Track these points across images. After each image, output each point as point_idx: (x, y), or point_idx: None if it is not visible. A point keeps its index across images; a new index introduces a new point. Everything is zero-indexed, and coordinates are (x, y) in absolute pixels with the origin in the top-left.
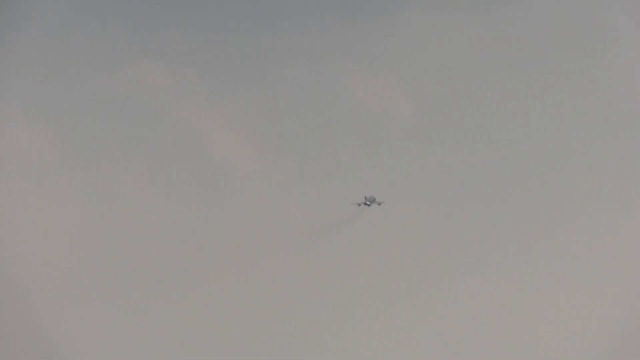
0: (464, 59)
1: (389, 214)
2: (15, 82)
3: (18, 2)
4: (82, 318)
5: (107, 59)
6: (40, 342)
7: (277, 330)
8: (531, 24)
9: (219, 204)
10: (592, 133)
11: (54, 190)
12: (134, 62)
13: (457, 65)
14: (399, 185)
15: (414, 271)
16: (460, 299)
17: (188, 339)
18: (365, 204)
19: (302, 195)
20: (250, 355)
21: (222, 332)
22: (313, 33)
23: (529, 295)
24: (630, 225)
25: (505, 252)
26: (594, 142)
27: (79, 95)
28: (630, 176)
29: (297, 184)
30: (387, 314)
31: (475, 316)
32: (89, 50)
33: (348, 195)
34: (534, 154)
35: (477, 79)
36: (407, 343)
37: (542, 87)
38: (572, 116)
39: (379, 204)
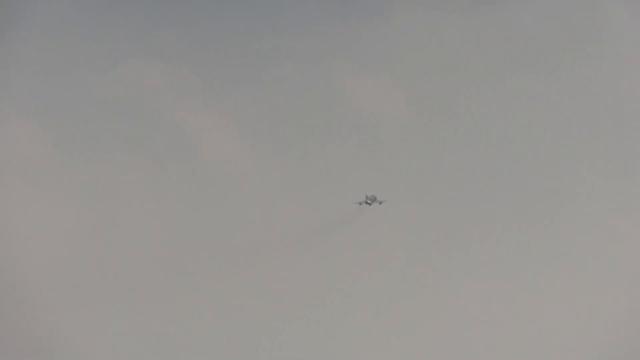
0: (460, 60)
1: (387, 214)
2: (12, 82)
3: (15, 2)
4: (76, 318)
5: (103, 58)
6: (37, 342)
7: (277, 330)
8: (528, 25)
9: (215, 204)
10: (591, 133)
11: (49, 189)
12: (129, 62)
13: (453, 66)
14: (395, 185)
15: (413, 271)
16: (459, 299)
17: (186, 339)
18: (367, 202)
19: (298, 195)
20: (250, 356)
21: (221, 332)
22: (309, 33)
23: (528, 295)
24: (630, 225)
25: (504, 252)
26: (593, 143)
27: (74, 95)
28: (629, 176)
29: (293, 185)
30: (387, 313)
31: (474, 316)
32: (85, 50)
33: (345, 195)
34: (531, 154)
35: (473, 80)
36: (407, 342)
37: (538, 87)
38: (570, 117)
39: (380, 203)
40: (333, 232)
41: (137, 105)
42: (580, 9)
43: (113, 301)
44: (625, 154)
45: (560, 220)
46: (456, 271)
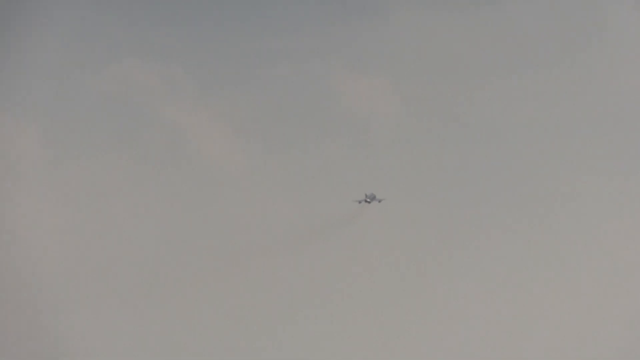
0: (455, 60)
1: (384, 213)
2: (5, 81)
3: (9, 2)
4: (70, 316)
5: (97, 57)
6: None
7: (275, 330)
8: (522, 24)
9: (209, 203)
10: (591, 133)
11: (39, 188)
12: (122, 61)
13: (448, 66)
14: (391, 184)
15: (412, 270)
16: (458, 297)
17: (182, 338)
18: (366, 201)
19: (294, 194)
20: (248, 355)
21: (218, 332)
22: (304, 33)
23: (527, 293)
24: (630, 225)
25: (502, 251)
26: (592, 142)
27: (66, 94)
28: (630, 175)
29: (289, 184)
30: (386, 313)
31: (474, 315)
32: (77, 49)
33: (342, 194)
34: (529, 153)
35: (469, 80)
36: (406, 341)
37: (533, 87)
38: (569, 116)
39: (379, 202)
40: (334, 230)
41: (131, 104)
42: (573, 8)
43: (106, 300)
44: (626, 153)
45: (557, 218)
46: (454, 270)
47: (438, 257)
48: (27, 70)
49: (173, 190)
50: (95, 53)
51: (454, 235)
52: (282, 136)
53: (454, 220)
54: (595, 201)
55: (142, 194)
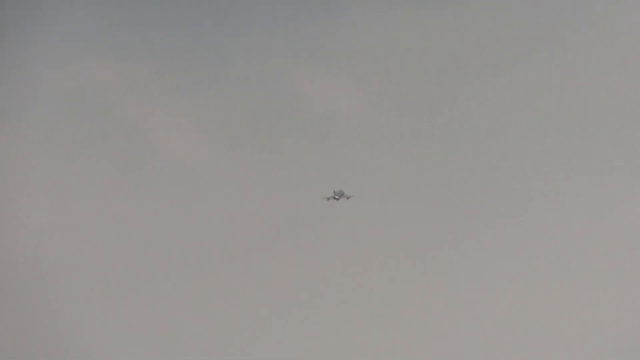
0: (417, 58)
1: (351, 210)
2: None
3: None
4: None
5: (58, 56)
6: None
7: (249, 329)
8: (485, 24)
9: (171, 202)
10: (566, 132)
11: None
12: (83, 59)
13: (410, 64)
14: (354, 183)
15: (382, 267)
16: (441, 296)
17: (157, 337)
18: (334, 198)
19: (254, 192)
20: (223, 353)
21: (188, 330)
22: (266, 32)
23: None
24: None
25: (478, 248)
26: (564, 141)
27: (28, 93)
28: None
29: (249, 182)
30: (359, 311)
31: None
32: (39, 47)
33: (305, 192)
34: (498, 151)
35: (430, 78)
36: (393, 340)
37: (495, 85)
38: (525, 116)
39: (348, 198)
40: (303, 228)
41: (94, 102)
42: (535, 10)
43: (65, 299)
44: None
45: (520, 216)
46: (428, 267)
47: (408, 254)
48: None
49: (136, 189)
50: (57, 52)
51: (424, 232)
52: (246, 134)
53: (424, 217)
54: (564, 200)
55: (104, 192)
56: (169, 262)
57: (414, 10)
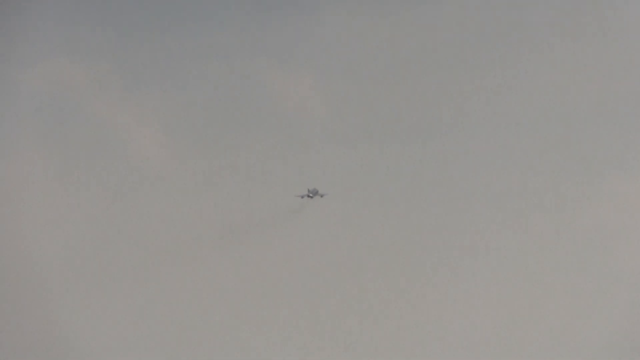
0: (382, 58)
1: (324, 209)
2: None
3: None
4: None
5: (22, 56)
6: None
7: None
8: (450, 26)
9: (136, 202)
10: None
11: None
12: (49, 59)
13: (374, 64)
14: (321, 182)
15: (350, 266)
16: (403, 296)
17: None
18: (308, 196)
19: (220, 191)
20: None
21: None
22: (229, 30)
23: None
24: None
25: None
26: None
27: None
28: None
29: (214, 181)
30: (332, 309)
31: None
32: (3, 47)
33: (276, 190)
34: (460, 144)
35: (394, 78)
36: (369, 338)
37: (459, 87)
38: (497, 115)
39: (322, 196)
40: (275, 227)
41: (58, 102)
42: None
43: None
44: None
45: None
46: (401, 266)
47: (382, 252)
48: None
49: (100, 188)
50: (22, 51)
51: (398, 230)
52: (210, 133)
53: (397, 214)
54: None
55: (68, 192)
56: (136, 261)
57: (381, 9)
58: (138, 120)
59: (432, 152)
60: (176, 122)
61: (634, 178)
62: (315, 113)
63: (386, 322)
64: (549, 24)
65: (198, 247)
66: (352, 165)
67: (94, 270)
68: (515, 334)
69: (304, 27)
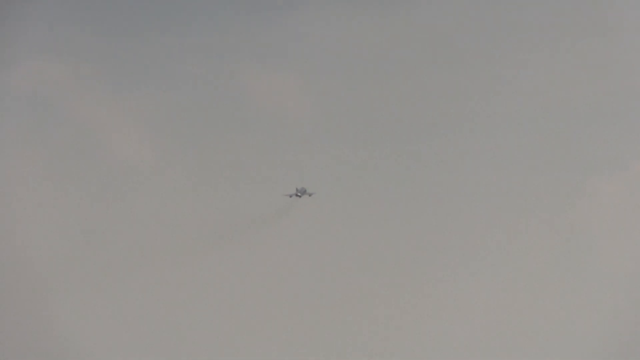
0: (366, 56)
1: (312, 208)
2: None
3: None
4: None
5: (5, 55)
6: None
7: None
8: (436, 24)
9: (120, 201)
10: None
11: None
12: (32, 58)
13: (361, 64)
14: (306, 181)
15: (340, 264)
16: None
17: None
18: (297, 195)
19: (205, 191)
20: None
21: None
22: (213, 29)
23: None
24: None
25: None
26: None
27: None
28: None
29: (199, 181)
30: (318, 308)
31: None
32: None
33: (262, 190)
34: (443, 140)
35: (380, 77)
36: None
37: (443, 87)
38: (472, 115)
39: (310, 195)
40: (268, 224)
41: (42, 101)
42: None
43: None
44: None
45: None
46: (389, 264)
47: (371, 251)
48: None
49: (84, 188)
50: (5, 51)
51: (386, 228)
52: (197, 133)
53: (383, 212)
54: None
55: (52, 192)
56: (119, 262)
57: (363, 8)
58: (123, 120)
59: (424, 151)
60: (163, 122)
61: (634, 178)
62: (303, 112)
63: (385, 322)
64: (549, 24)
65: (186, 246)
66: (341, 165)
67: (83, 270)
68: (515, 334)
69: (290, 27)
